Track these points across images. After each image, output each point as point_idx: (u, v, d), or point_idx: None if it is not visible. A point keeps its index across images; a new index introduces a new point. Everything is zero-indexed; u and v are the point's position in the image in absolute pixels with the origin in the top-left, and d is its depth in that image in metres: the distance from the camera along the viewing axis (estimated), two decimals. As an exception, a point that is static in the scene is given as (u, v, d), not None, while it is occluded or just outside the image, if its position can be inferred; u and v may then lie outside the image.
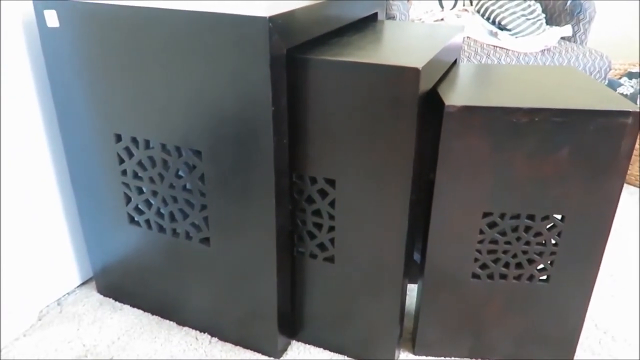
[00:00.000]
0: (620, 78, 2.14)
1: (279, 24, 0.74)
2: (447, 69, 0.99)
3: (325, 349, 1.01)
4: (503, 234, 0.88)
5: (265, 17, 0.71)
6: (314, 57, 0.79)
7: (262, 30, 0.72)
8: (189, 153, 0.87)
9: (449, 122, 0.80)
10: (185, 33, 0.78)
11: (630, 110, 0.77)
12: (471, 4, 1.92)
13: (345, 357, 1.00)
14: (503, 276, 0.92)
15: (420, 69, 0.74)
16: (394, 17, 1.48)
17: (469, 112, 0.79)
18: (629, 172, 1.77)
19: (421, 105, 0.78)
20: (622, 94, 1.88)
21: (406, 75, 0.75)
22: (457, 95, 0.83)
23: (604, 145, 0.80)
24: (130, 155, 0.93)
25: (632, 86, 1.97)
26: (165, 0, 0.83)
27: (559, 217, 0.86)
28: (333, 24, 0.93)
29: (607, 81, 1.96)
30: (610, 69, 1.70)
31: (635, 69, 2.15)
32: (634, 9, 2.42)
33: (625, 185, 1.78)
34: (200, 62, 0.79)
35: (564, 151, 0.81)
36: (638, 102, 1.82)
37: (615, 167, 0.81)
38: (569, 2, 1.77)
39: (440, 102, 0.81)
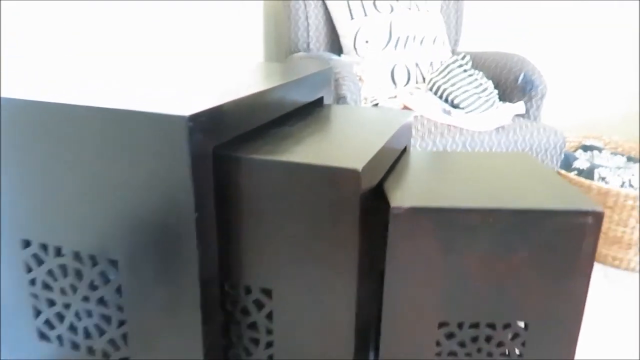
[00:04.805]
0: (575, 151, 2.15)
1: (202, 122, 0.66)
2: (397, 156, 0.93)
3: None
4: (462, 344, 0.79)
5: (184, 116, 0.63)
6: (244, 155, 0.71)
7: (181, 129, 0.64)
8: (105, 262, 0.76)
9: (396, 224, 0.72)
10: (99, 130, 0.69)
11: (590, 210, 0.71)
12: (424, 81, 1.91)
13: None
14: (465, 391, 0.82)
15: (360, 170, 0.67)
16: (344, 97, 1.44)
17: (417, 213, 0.72)
18: (613, 255, 1.71)
19: (364, 206, 0.71)
20: (578, 168, 1.87)
21: (345, 176, 0.67)
22: (404, 194, 0.76)
23: (564, 246, 0.73)
24: (40, 263, 0.82)
25: (587, 160, 1.97)
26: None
27: (522, 324, 0.78)
28: (273, 113, 0.86)
29: (563, 156, 1.95)
30: (565, 145, 1.69)
31: (589, 142, 2.17)
32: (585, 84, 2.48)
33: (610, 268, 1.73)
34: (117, 163, 0.70)
35: (521, 253, 0.73)
36: (595, 176, 1.81)
37: (577, 269, 0.74)
38: (520, 80, 1.78)
39: (386, 202, 0.74)
